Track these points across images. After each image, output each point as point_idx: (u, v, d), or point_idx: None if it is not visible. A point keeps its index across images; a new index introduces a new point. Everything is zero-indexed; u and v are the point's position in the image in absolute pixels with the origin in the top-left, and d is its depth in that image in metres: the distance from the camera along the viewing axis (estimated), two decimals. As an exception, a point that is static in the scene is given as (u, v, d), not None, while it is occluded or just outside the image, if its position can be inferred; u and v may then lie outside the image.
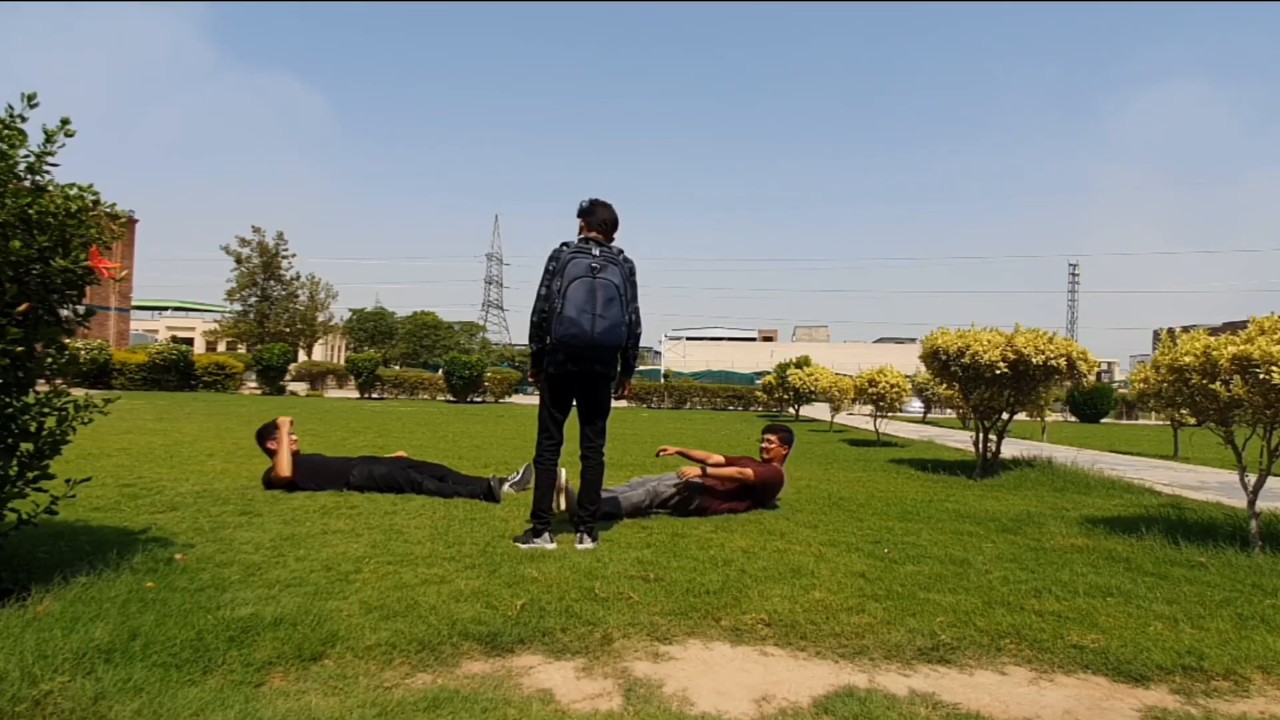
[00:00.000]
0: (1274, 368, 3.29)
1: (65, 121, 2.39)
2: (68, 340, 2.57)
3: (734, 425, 16.03)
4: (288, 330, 37.31)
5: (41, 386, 2.54)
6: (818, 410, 21.02)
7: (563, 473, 3.83)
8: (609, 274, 3.42)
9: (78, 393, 2.62)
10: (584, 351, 3.40)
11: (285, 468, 4.53)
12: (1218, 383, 3.53)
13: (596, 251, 3.45)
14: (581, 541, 3.45)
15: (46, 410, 2.50)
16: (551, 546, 3.36)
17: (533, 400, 32.20)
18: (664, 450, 5.02)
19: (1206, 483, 7.00)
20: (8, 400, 2.39)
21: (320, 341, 45.01)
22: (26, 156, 2.35)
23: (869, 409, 11.95)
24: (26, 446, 2.47)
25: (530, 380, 3.68)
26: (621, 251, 3.54)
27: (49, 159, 2.39)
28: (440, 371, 24.77)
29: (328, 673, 1.94)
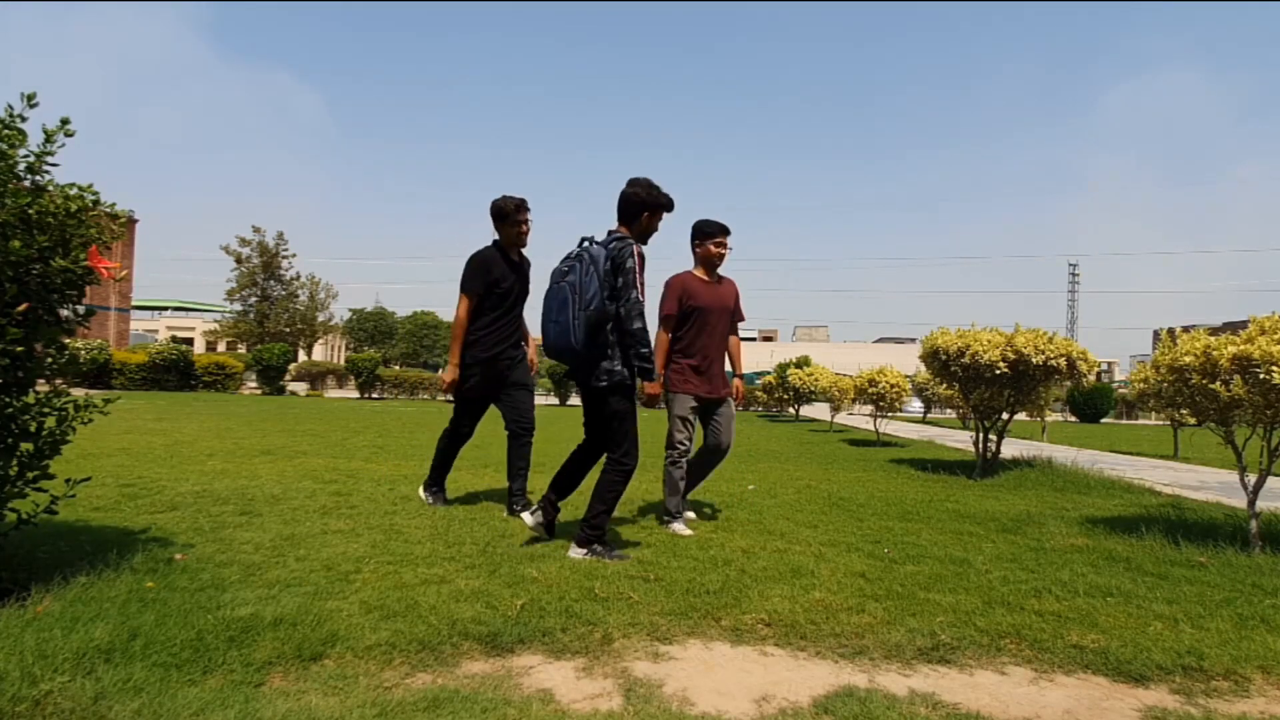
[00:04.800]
0: (1274, 368, 3.28)
1: (65, 121, 2.39)
2: (68, 340, 2.57)
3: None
4: (288, 330, 37.30)
5: (41, 386, 2.54)
6: (818, 410, 21.02)
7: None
8: (573, 274, 3.19)
9: (78, 393, 2.62)
10: (557, 360, 3.32)
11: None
12: (1218, 383, 3.53)
13: (575, 250, 3.26)
14: (573, 551, 3.23)
15: (46, 410, 2.50)
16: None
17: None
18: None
19: (1206, 483, 7.00)
20: (8, 400, 2.39)
21: (320, 341, 45.01)
22: (26, 156, 2.35)
23: (869, 409, 11.95)
24: (26, 446, 2.47)
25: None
26: (613, 240, 3.24)
27: (49, 159, 2.39)
28: (440, 371, 24.77)
29: (328, 673, 1.94)
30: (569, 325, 3.15)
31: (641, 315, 3.17)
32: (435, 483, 4.42)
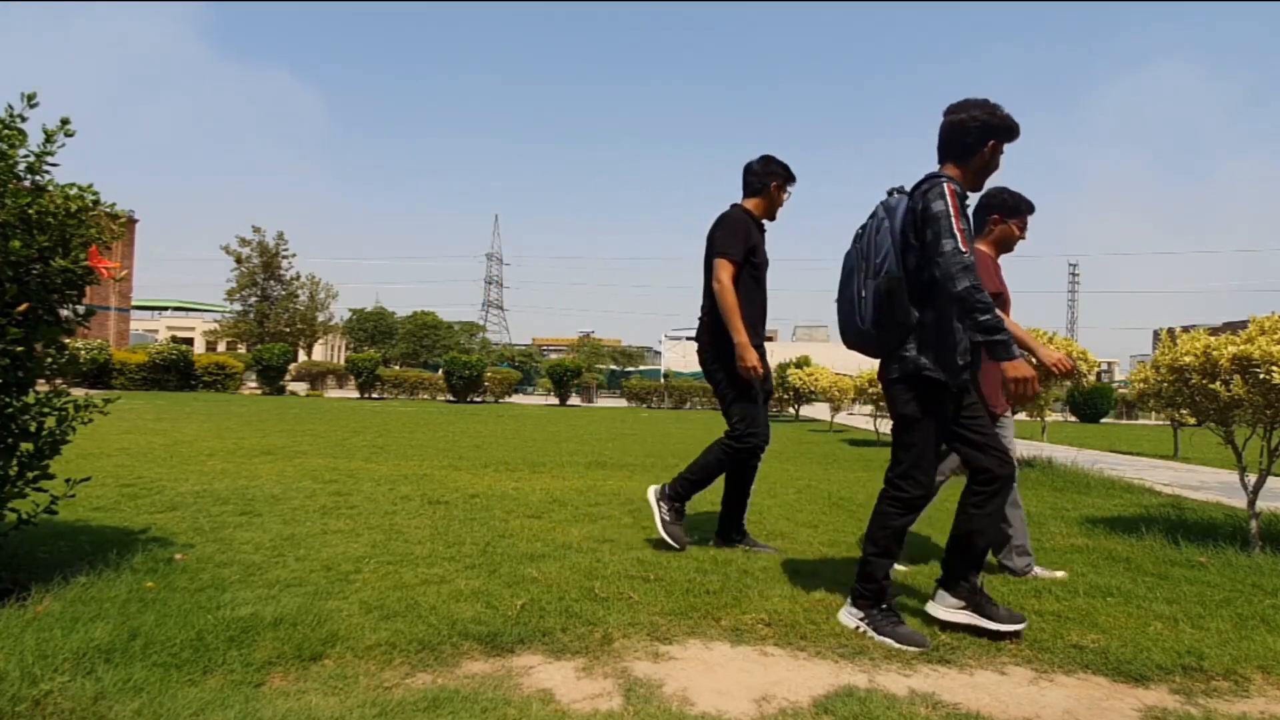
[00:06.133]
0: (1274, 368, 3.28)
1: (65, 121, 2.39)
2: (68, 340, 2.58)
3: (734, 425, 16.02)
4: (288, 330, 37.27)
5: (41, 386, 2.54)
6: (818, 410, 21.01)
7: None
8: (865, 239, 2.54)
9: (78, 393, 2.62)
10: (854, 349, 2.69)
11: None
12: (1218, 383, 3.53)
13: (884, 198, 2.58)
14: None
15: (46, 410, 2.50)
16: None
17: (532, 400, 31.83)
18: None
19: (1206, 483, 7.00)
20: (8, 400, 2.39)
21: (320, 341, 44.97)
22: (26, 156, 2.35)
23: (869, 409, 11.95)
24: (26, 446, 2.47)
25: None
26: (923, 183, 2.44)
27: (49, 159, 2.40)
28: (440, 371, 24.78)
29: (328, 673, 1.94)
30: (854, 300, 2.54)
31: (968, 270, 2.28)
32: (736, 528, 3.47)
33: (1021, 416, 8.59)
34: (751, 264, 3.38)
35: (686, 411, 24.58)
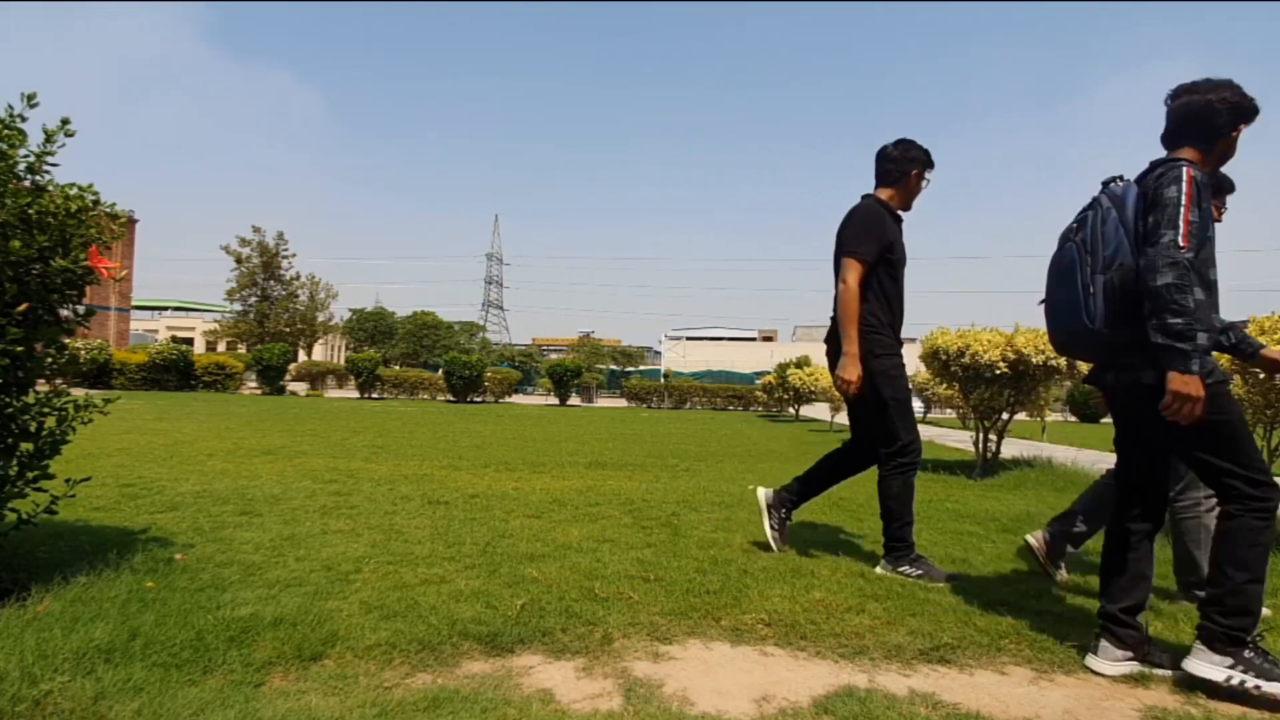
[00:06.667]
0: (1274, 368, 3.28)
1: (65, 121, 2.39)
2: (68, 340, 2.58)
3: (734, 425, 16.03)
4: (288, 330, 37.26)
5: (41, 386, 2.54)
6: (818, 410, 21.01)
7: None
8: (1085, 228, 2.29)
9: (78, 393, 2.62)
10: (1068, 354, 2.53)
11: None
12: (1218, 383, 3.53)
13: (1100, 191, 2.32)
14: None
15: (46, 410, 2.50)
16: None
17: (532, 400, 31.69)
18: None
19: (1206, 483, 7.00)
20: (8, 400, 2.39)
21: (320, 341, 44.95)
22: (26, 156, 2.35)
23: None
24: (26, 446, 2.47)
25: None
26: (1158, 165, 2.21)
27: (49, 159, 2.40)
28: (440, 371, 24.79)
29: (328, 673, 1.94)
30: (1078, 297, 2.24)
31: (1176, 267, 2.01)
32: (792, 505, 3.47)
33: (1022, 416, 8.57)
34: (888, 261, 3.12)
35: (686, 411, 24.58)
